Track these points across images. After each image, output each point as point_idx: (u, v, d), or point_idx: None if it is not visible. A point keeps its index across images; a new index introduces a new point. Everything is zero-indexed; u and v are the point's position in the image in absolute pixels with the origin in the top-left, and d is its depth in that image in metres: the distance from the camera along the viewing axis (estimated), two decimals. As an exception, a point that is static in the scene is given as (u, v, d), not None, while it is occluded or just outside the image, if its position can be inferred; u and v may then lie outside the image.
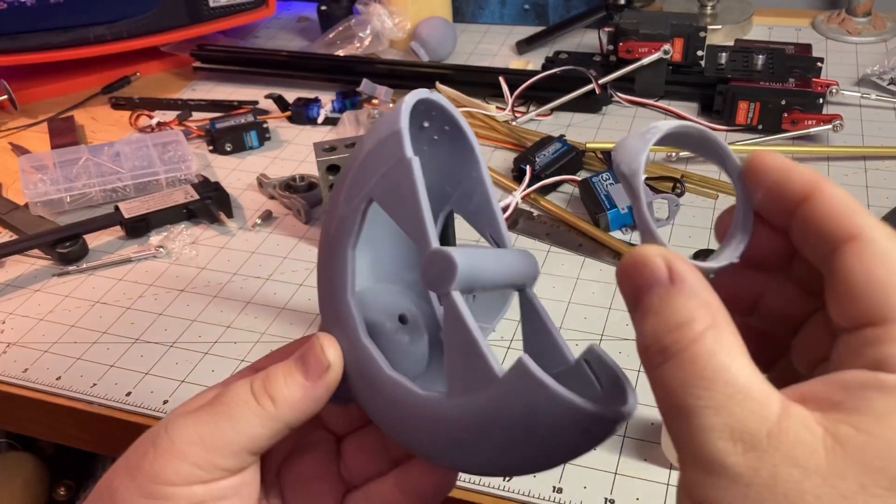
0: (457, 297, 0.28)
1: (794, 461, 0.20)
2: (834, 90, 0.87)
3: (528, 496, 0.51)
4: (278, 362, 0.33)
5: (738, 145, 0.83)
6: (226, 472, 0.32)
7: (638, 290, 0.24)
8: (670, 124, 0.28)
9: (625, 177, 0.28)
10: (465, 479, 0.52)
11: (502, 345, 0.62)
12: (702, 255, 0.69)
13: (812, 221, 0.24)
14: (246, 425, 0.31)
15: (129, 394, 0.61)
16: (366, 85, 0.95)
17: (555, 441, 0.27)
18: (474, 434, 0.28)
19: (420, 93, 0.32)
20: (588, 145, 0.83)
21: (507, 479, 0.52)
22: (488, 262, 0.31)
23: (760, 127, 0.86)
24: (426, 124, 0.34)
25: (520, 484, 0.52)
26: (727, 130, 0.88)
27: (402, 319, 0.34)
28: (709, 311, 0.22)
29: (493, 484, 0.52)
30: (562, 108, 0.93)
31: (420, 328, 0.34)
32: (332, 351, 0.32)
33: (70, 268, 0.74)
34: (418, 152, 0.30)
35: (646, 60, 0.92)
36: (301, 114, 0.96)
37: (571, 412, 0.26)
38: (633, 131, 0.90)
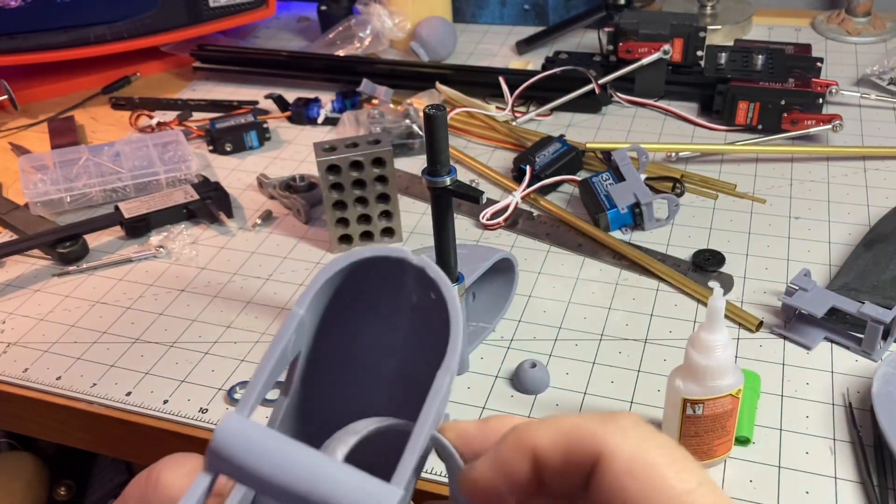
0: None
1: None
2: (833, 90, 0.87)
3: None
4: None
5: (739, 145, 0.83)
6: None
7: None
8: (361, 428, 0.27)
9: None
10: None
11: (502, 344, 0.62)
12: (701, 254, 0.69)
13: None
14: None
15: (129, 394, 0.61)
16: (366, 85, 0.95)
17: None
18: None
19: (370, 251, 0.29)
20: (588, 145, 0.83)
21: None
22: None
23: (760, 127, 0.86)
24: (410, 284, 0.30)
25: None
26: (727, 130, 0.88)
27: None
28: None
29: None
30: (562, 108, 0.93)
31: None
32: None
33: (70, 268, 0.74)
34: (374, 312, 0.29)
35: (646, 60, 0.92)
36: (301, 114, 0.96)
37: None
38: (633, 131, 0.90)
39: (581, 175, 0.80)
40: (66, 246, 0.75)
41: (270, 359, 0.27)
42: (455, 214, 0.62)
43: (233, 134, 0.91)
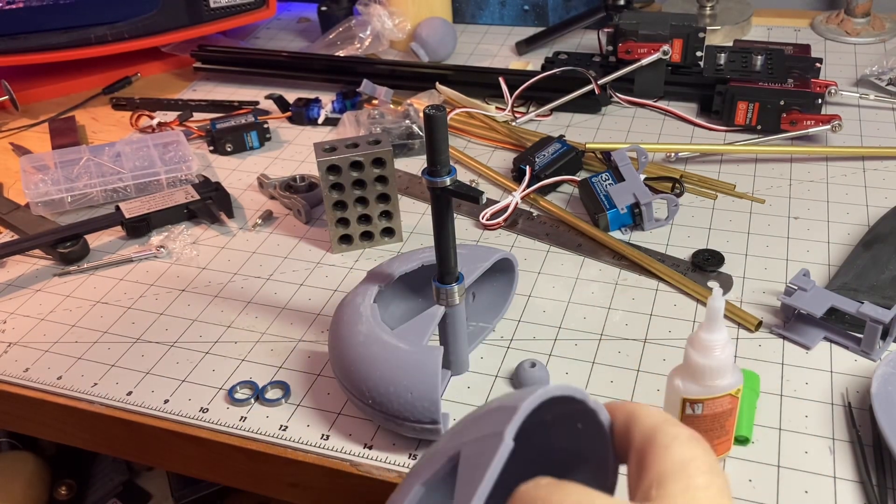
0: None
1: None
2: (833, 90, 0.88)
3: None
4: None
5: (738, 145, 0.84)
6: None
7: None
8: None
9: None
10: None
11: (502, 344, 0.63)
12: (701, 254, 0.69)
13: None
14: None
15: (129, 393, 0.61)
16: (366, 85, 0.95)
17: None
18: None
19: (565, 390, 0.32)
20: (587, 145, 0.84)
21: None
22: None
23: (759, 127, 0.86)
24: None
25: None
26: (726, 131, 0.88)
27: None
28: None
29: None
30: (561, 108, 0.93)
31: None
32: None
33: (71, 268, 0.74)
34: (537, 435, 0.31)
35: (645, 61, 0.92)
36: (301, 114, 0.96)
37: None
38: (633, 131, 0.90)
39: (581, 175, 0.81)
40: (66, 246, 0.75)
41: (487, 486, 0.29)
42: (455, 214, 0.62)
43: (233, 134, 0.91)
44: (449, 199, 0.53)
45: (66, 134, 0.95)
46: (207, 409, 0.59)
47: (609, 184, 0.74)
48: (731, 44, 1.00)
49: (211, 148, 0.92)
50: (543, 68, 0.98)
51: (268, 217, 0.80)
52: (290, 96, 0.99)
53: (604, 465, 0.34)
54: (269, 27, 1.23)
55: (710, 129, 0.89)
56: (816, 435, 0.54)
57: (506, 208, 0.76)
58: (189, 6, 1.06)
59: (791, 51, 0.97)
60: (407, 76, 1.01)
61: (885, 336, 0.58)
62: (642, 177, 0.74)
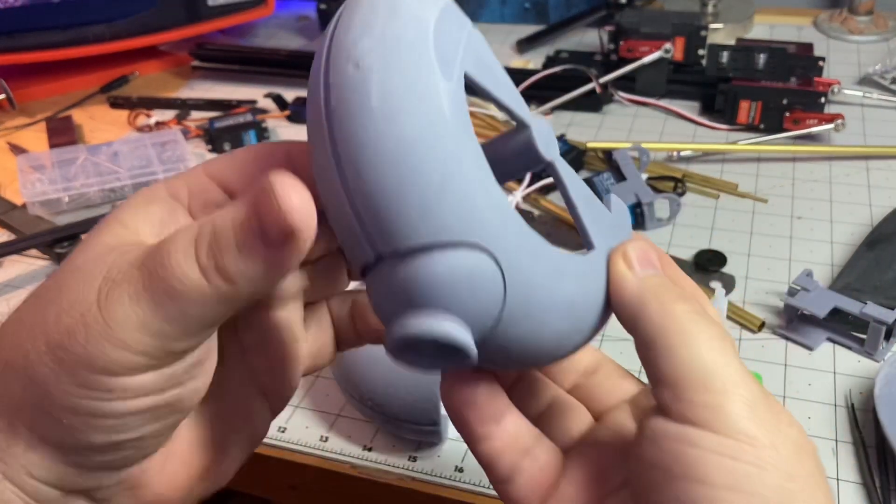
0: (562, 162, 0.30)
1: None
2: (836, 89, 0.87)
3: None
4: (224, 199, 0.29)
5: (741, 144, 0.83)
6: (180, 353, 0.26)
7: None
8: None
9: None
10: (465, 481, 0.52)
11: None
12: (703, 255, 0.69)
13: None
14: (197, 308, 0.25)
15: (126, 395, 0.61)
16: (365, 84, 0.94)
17: None
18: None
19: None
20: (589, 144, 0.83)
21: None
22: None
23: (762, 126, 0.86)
24: None
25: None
26: (728, 130, 0.87)
27: None
28: None
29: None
30: (562, 107, 0.93)
31: None
32: (297, 199, 0.24)
33: (68, 268, 0.74)
34: None
35: (647, 59, 0.92)
36: (300, 113, 0.95)
37: None
38: (635, 130, 0.90)
39: (582, 175, 0.80)
40: (64, 246, 0.74)
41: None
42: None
43: (231, 133, 0.90)
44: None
45: (63, 133, 0.95)
46: (205, 411, 0.59)
47: (611, 183, 0.74)
48: (733, 42, 0.99)
49: (209, 147, 0.92)
50: (544, 67, 0.97)
51: (266, 216, 0.79)
52: (289, 95, 0.99)
53: None
54: (268, 25, 1.22)
55: (713, 128, 0.88)
56: (819, 437, 0.53)
57: (506, 208, 0.76)
58: (187, 4, 1.05)
59: (794, 49, 0.97)
60: (407, 75, 1.00)
61: (888, 337, 0.58)
62: (644, 176, 0.74)
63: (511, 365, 0.31)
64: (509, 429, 0.31)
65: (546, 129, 0.31)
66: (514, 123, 0.31)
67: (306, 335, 0.35)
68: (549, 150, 0.31)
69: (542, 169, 0.32)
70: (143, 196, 0.30)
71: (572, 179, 0.31)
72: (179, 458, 0.30)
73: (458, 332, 0.26)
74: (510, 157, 0.31)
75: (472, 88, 0.28)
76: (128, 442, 0.26)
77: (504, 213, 0.26)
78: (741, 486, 0.25)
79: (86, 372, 0.25)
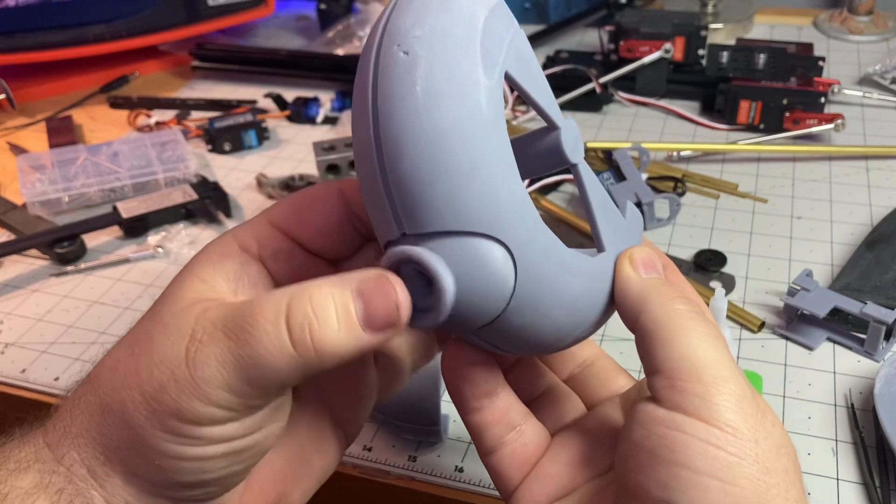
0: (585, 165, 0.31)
1: None
2: (836, 89, 0.87)
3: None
4: (321, 273, 0.29)
5: (741, 144, 0.83)
6: (259, 405, 0.29)
7: None
8: None
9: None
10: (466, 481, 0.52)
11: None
12: (703, 255, 0.69)
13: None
14: (280, 372, 0.27)
15: (126, 395, 0.61)
16: (365, 84, 0.94)
17: None
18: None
19: None
20: (589, 144, 0.83)
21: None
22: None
23: (762, 126, 0.86)
24: None
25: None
26: (729, 130, 0.87)
27: None
28: None
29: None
30: (562, 107, 0.93)
31: None
32: (402, 295, 0.28)
33: (68, 268, 0.74)
34: None
35: (647, 59, 0.92)
36: (300, 113, 0.95)
37: None
38: (635, 130, 0.90)
39: (582, 174, 0.80)
40: (63, 246, 0.74)
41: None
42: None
43: (231, 133, 0.90)
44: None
45: (63, 133, 0.95)
46: (205, 411, 0.59)
47: (611, 183, 0.74)
48: (733, 42, 0.99)
49: (209, 147, 0.92)
50: (544, 67, 0.97)
51: (266, 216, 0.79)
52: (289, 95, 0.99)
53: None
54: (268, 25, 1.22)
55: (713, 128, 0.88)
56: (819, 436, 0.53)
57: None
58: (187, 4, 1.05)
59: (794, 49, 0.97)
60: (407, 75, 1.00)
61: (888, 337, 0.58)
62: (644, 176, 0.74)
63: (512, 350, 0.32)
64: (500, 404, 0.33)
65: (574, 132, 0.32)
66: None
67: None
68: (575, 154, 0.32)
69: (565, 169, 0.33)
70: (215, 251, 0.32)
71: (592, 183, 0.33)
72: (258, 488, 0.33)
73: (443, 269, 0.27)
74: (538, 156, 0.33)
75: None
76: (212, 480, 0.30)
77: (524, 209, 0.27)
78: (721, 474, 0.26)
79: (175, 422, 0.28)
